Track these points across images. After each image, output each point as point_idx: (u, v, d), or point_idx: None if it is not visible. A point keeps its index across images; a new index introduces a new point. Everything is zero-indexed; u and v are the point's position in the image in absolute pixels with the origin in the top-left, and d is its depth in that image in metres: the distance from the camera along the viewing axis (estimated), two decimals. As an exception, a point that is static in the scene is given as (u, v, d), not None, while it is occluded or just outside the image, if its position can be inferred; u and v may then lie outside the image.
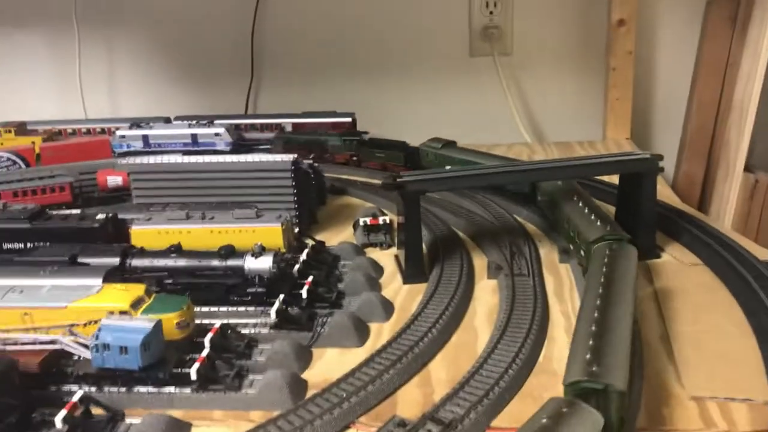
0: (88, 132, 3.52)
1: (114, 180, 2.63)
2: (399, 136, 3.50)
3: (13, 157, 2.89)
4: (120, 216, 2.05)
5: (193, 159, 2.23)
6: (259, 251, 1.74)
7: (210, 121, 3.33)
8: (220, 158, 2.23)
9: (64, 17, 3.66)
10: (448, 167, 2.33)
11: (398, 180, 1.87)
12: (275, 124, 3.42)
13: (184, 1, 3.65)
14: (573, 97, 3.49)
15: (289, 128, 3.41)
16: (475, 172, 1.97)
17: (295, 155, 2.23)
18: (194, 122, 3.33)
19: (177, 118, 3.50)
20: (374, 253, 2.11)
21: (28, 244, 1.99)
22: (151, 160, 2.25)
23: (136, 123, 3.35)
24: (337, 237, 2.24)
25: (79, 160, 2.95)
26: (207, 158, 2.23)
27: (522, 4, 3.42)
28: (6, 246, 2.00)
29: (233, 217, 1.95)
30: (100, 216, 2.00)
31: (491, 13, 3.45)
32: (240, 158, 2.22)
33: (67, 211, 2.20)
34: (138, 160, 2.26)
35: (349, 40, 3.56)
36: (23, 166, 2.90)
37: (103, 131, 3.51)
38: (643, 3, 3.30)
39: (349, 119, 3.37)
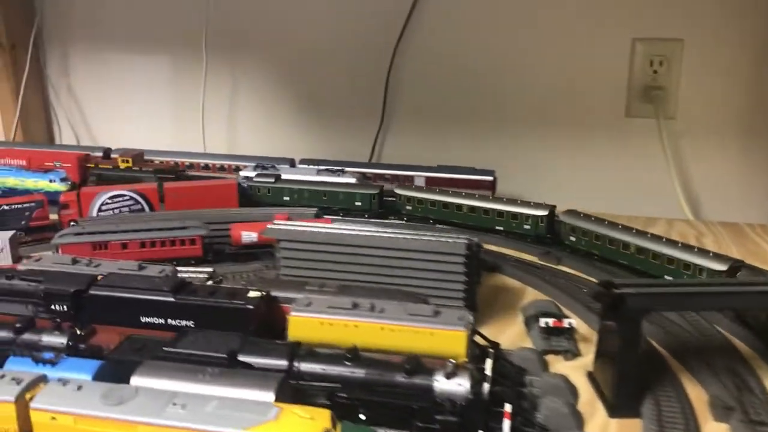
0: (207, 167, 3.32)
1: (248, 236, 2.39)
2: (540, 197, 3.21)
3: (136, 197, 2.69)
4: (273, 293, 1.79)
5: (354, 230, 1.96)
6: (453, 370, 1.44)
7: (341, 169, 3.08)
8: (383, 232, 1.95)
9: (191, 45, 3.49)
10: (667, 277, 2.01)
11: (615, 290, 1.55)
12: (406, 177, 3.15)
13: (315, 37, 3.44)
14: (741, 170, 3.10)
15: (421, 182, 3.13)
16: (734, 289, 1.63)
17: (469, 238, 1.94)
18: (323, 168, 3.09)
19: (303, 162, 3.26)
20: (557, 363, 1.80)
21: (169, 320, 1.74)
22: (305, 228, 1.99)
23: (261, 165, 3.13)
24: (502, 334, 1.94)
25: (205, 204, 2.75)
26: (368, 230, 1.96)
27: (690, 64, 3.06)
28: (144, 319, 1.76)
29: (406, 312, 1.66)
30: (253, 294, 1.74)
31: (655, 72, 3.10)
32: (406, 234, 1.95)
33: (211, 283, 1.95)
34: (290, 226, 2.00)
35: (490, 89, 3.27)
36: (146, 207, 2.70)
37: (222, 168, 3.31)
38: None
39: (490, 178, 3.07)
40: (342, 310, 1.67)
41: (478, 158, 3.24)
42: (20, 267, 1.97)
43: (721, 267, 2.01)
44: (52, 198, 2.97)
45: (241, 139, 3.63)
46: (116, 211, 2.68)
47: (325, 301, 1.72)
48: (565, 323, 1.85)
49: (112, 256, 2.27)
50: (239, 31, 3.49)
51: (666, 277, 2.09)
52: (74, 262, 1.98)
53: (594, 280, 2.23)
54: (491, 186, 3.06)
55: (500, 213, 2.69)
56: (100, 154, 3.40)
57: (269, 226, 2.02)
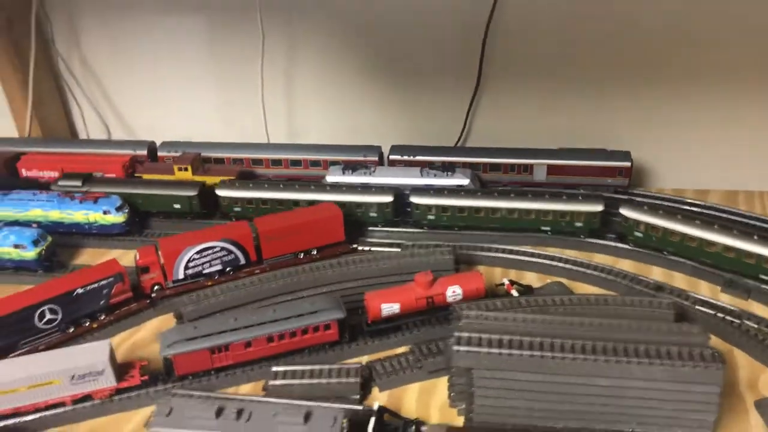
0: (278, 163, 2.78)
1: (390, 308, 1.95)
2: (678, 180, 2.76)
3: (229, 247, 2.21)
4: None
5: (576, 357, 1.54)
6: None
7: (449, 166, 2.58)
8: (605, 358, 1.53)
9: (238, 8, 2.80)
10: None
11: None
12: (523, 165, 2.65)
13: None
14: None
15: (542, 174, 2.64)
16: None
17: (720, 355, 1.53)
18: (427, 169, 2.59)
19: (394, 149, 2.73)
20: None
21: None
22: (508, 353, 1.55)
23: (349, 166, 2.61)
24: None
25: (308, 244, 2.29)
26: (590, 357, 1.54)
27: None
28: None
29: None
30: None
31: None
32: (637, 358, 1.53)
33: None
34: (484, 348, 1.56)
35: (608, 41, 2.64)
36: (241, 257, 2.23)
37: (296, 163, 2.77)
38: None
39: (626, 163, 2.59)
40: None
41: (594, 135, 2.74)
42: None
43: None
44: (108, 232, 2.49)
45: (303, 124, 3.03)
46: (206, 266, 2.20)
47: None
48: None
49: (234, 359, 1.85)
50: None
51: None
52: (219, 413, 1.56)
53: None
54: (628, 172, 2.59)
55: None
56: (144, 151, 2.84)
57: (457, 349, 1.57)
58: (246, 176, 2.71)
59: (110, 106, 3.14)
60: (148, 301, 2.15)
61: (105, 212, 2.45)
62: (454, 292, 1.98)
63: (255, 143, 2.85)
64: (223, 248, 2.20)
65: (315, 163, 2.75)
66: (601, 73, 2.69)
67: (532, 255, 2.32)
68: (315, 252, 2.32)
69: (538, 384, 1.57)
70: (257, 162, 2.79)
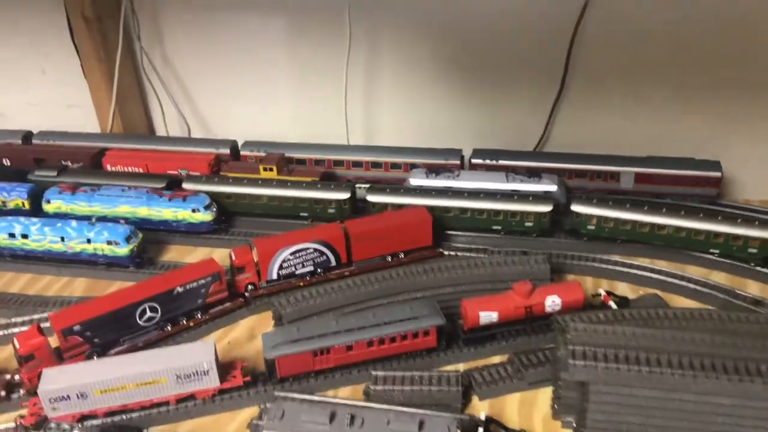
0: (359, 165, 2.78)
1: (488, 317, 1.94)
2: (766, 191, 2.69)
3: (321, 248, 2.21)
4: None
5: (697, 374, 1.51)
6: None
7: (535, 171, 2.55)
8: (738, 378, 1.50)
9: (322, 6, 2.80)
10: None
11: None
12: (610, 173, 2.62)
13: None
14: None
15: (629, 182, 2.60)
16: None
17: None
18: (512, 174, 2.56)
19: (477, 153, 2.72)
20: None
21: None
22: (623, 365, 1.53)
23: (432, 170, 2.60)
24: None
25: (397, 246, 2.29)
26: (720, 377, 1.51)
27: None
28: None
29: None
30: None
31: None
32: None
33: None
34: (604, 364, 1.54)
35: (696, 47, 2.58)
36: (332, 259, 2.23)
37: (377, 165, 2.77)
38: None
39: (716, 173, 2.54)
40: None
41: (674, 142, 2.68)
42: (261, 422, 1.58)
43: None
44: (196, 230, 2.51)
45: (380, 125, 3.02)
46: (299, 266, 2.21)
47: None
48: None
49: (335, 362, 1.86)
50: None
51: None
52: (332, 418, 1.57)
53: None
54: (717, 182, 2.54)
55: None
56: (227, 150, 2.86)
57: (573, 363, 1.56)
58: (329, 178, 2.72)
59: (190, 103, 3.17)
60: (242, 300, 2.17)
61: (194, 210, 2.48)
62: (552, 302, 1.96)
63: (335, 144, 2.85)
64: (315, 250, 2.21)
65: (395, 166, 2.75)
66: (688, 79, 2.63)
67: (624, 264, 2.29)
68: (402, 255, 2.31)
69: (655, 400, 1.54)
70: (338, 163, 2.79)
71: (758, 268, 2.25)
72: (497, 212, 2.42)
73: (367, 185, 2.57)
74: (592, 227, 2.38)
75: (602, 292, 2.10)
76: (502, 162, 2.67)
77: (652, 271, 2.26)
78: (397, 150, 2.78)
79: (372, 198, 2.48)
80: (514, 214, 2.41)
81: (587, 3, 2.56)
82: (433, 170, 2.60)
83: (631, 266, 2.29)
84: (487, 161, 2.69)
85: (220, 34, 2.97)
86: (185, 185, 2.60)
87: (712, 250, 2.31)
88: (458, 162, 2.69)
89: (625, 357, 1.56)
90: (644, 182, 2.58)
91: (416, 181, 2.59)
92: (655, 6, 2.54)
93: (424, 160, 2.71)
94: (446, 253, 2.38)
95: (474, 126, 2.94)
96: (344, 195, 2.52)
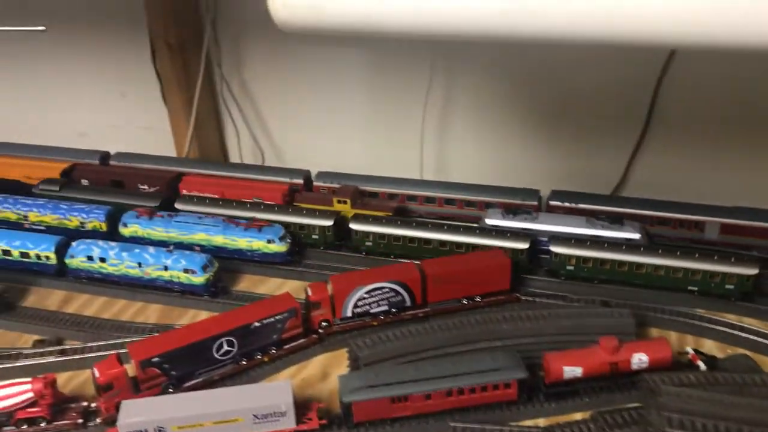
0: (432, 201, 2.74)
1: (572, 371, 1.88)
2: None
3: (397, 288, 2.18)
4: None
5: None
6: None
7: (617, 218, 2.48)
8: None
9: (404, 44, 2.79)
10: None
11: None
12: (695, 222, 2.53)
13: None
14: None
15: (714, 232, 2.51)
16: None
17: None
18: (593, 219, 2.50)
19: (555, 195, 2.66)
20: None
21: None
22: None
23: (510, 210, 2.55)
24: None
25: (474, 289, 2.24)
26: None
27: None
28: None
29: None
30: None
31: None
32: None
33: None
34: None
35: None
36: (407, 299, 2.20)
37: (450, 202, 2.73)
38: None
39: (807, 229, 2.43)
40: None
41: (763, 195, 2.58)
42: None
43: None
44: (270, 260, 2.51)
45: (452, 161, 2.99)
46: (374, 305, 2.18)
47: None
48: None
49: (413, 410, 1.81)
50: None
51: None
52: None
53: None
54: (808, 239, 2.43)
55: None
56: (300, 180, 2.86)
57: (672, 432, 1.49)
58: (401, 212, 2.69)
59: (264, 131, 3.19)
60: (316, 337, 2.14)
61: (269, 241, 2.47)
62: (639, 360, 1.88)
63: (409, 179, 2.82)
64: (391, 289, 2.17)
65: (470, 204, 2.70)
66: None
67: (709, 321, 2.20)
68: (479, 299, 2.26)
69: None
70: (411, 198, 2.76)
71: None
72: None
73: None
74: (571, 267, 2.34)
75: (690, 350, 2.01)
76: (581, 205, 2.61)
77: (742, 329, 2.16)
78: (472, 187, 2.74)
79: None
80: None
81: (673, 53, 2.50)
82: (511, 211, 2.55)
83: (717, 322, 2.19)
84: (566, 204, 2.63)
85: (299, 64, 2.99)
86: (259, 216, 2.60)
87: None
88: (536, 203, 2.64)
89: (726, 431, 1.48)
90: (730, 233, 2.48)
91: (492, 221, 2.54)
92: (744, 58, 2.45)
93: (499, 199, 2.66)
94: (522, 297, 2.32)
95: (548, 166, 2.88)
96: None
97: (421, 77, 2.77)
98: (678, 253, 2.28)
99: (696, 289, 2.26)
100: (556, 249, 2.36)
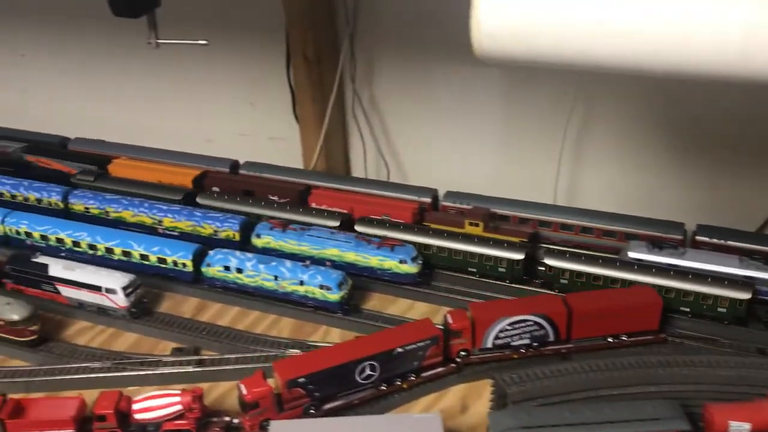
0: (569, 228, 2.64)
1: (739, 427, 1.75)
2: None
3: (542, 322, 2.10)
4: None
5: None
6: None
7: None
8: None
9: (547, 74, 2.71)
10: None
11: None
12: None
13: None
14: None
15: None
16: None
17: None
18: (747, 258, 2.35)
19: (702, 230, 2.51)
20: None
21: None
22: None
23: (656, 244, 2.42)
24: None
25: (621, 327, 2.13)
26: None
27: None
28: None
29: None
30: None
31: None
32: None
33: None
34: None
35: None
36: (551, 333, 2.11)
37: (587, 231, 2.62)
38: None
39: None
40: None
41: None
42: None
43: None
44: (400, 280, 2.47)
45: (588, 189, 2.89)
46: (515, 338, 2.11)
47: None
48: None
49: (564, 455, 1.72)
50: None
51: None
52: None
53: None
54: None
55: None
56: (428, 199, 2.81)
57: None
58: (536, 239, 2.61)
59: (390, 146, 3.16)
60: (454, 366, 2.09)
61: (401, 261, 2.43)
62: (817, 420, 1.74)
63: (543, 204, 2.73)
64: (536, 322, 2.09)
65: (609, 234, 2.59)
66: None
67: None
68: (625, 337, 2.15)
69: None
70: (545, 224, 2.67)
71: None
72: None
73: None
74: (565, 281, 2.29)
75: None
76: (730, 242, 2.46)
77: None
78: (611, 216, 2.62)
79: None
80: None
81: None
82: (657, 244, 2.42)
83: None
84: (714, 240, 2.48)
85: (431, 81, 2.95)
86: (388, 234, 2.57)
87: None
88: (681, 237, 2.50)
89: None
90: None
91: (635, 254, 2.42)
92: None
93: (641, 230, 2.54)
94: (670, 339, 2.20)
95: (690, 199, 2.76)
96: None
97: (563, 100, 2.68)
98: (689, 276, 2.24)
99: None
100: (550, 262, 2.35)
